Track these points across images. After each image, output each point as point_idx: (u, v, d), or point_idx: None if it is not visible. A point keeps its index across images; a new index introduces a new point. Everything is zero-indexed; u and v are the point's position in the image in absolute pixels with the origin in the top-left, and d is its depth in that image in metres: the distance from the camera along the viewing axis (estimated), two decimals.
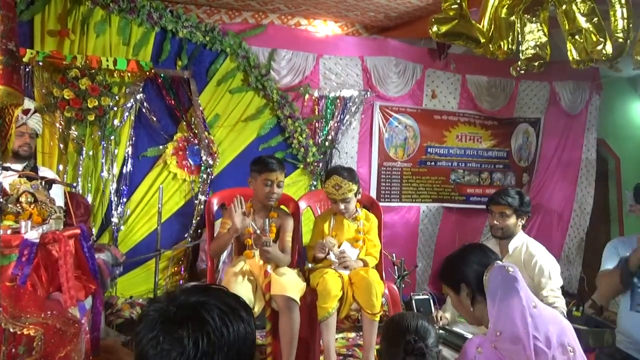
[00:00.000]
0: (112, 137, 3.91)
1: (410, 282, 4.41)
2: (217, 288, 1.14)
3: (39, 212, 2.45)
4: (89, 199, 3.85)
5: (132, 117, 4.00)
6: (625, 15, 2.58)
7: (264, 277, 2.72)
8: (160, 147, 4.12)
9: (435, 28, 2.55)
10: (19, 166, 2.97)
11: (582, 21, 2.62)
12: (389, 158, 4.87)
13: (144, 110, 4.01)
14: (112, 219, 3.95)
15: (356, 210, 3.02)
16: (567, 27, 2.71)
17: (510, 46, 2.78)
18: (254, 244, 2.79)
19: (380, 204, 3.47)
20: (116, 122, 3.92)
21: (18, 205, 2.43)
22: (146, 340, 1.02)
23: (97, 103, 3.72)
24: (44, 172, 3.13)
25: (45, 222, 2.43)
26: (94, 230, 3.86)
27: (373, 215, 3.10)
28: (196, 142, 4.12)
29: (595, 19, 2.61)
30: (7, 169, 2.55)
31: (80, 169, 3.82)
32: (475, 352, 1.75)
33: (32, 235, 2.29)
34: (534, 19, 2.83)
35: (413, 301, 3.84)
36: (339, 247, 2.92)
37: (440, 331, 2.88)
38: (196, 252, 4.18)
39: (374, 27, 4.87)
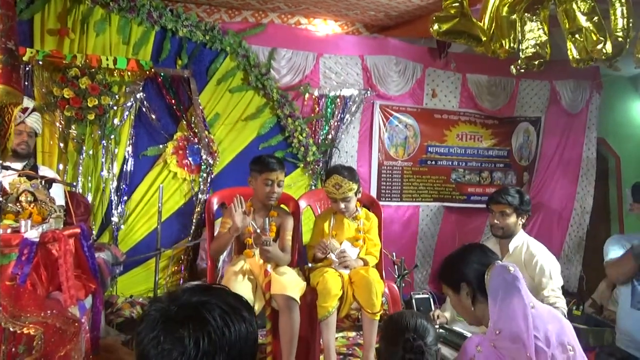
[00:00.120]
0: (112, 136, 3.91)
1: (410, 282, 4.41)
2: (218, 287, 1.14)
3: (39, 211, 2.45)
4: (89, 198, 3.85)
5: (132, 116, 3.99)
6: (625, 14, 2.57)
7: (264, 276, 2.72)
8: (161, 146, 4.11)
9: (436, 26, 2.55)
10: (18, 165, 2.97)
11: (583, 20, 2.62)
12: (390, 157, 4.87)
13: (144, 109, 4.01)
14: (112, 218, 3.95)
15: (356, 209, 3.02)
16: (567, 25, 2.71)
17: (512, 45, 2.78)
18: (254, 243, 2.79)
19: (381, 203, 3.47)
20: (116, 121, 3.92)
21: (18, 204, 2.43)
22: (147, 340, 1.02)
23: (97, 102, 3.72)
24: (44, 171, 3.13)
25: (45, 221, 2.43)
26: (94, 230, 3.86)
27: (373, 215, 3.10)
28: (196, 141, 4.12)
29: (596, 17, 2.61)
30: (7, 168, 2.55)
31: (80, 168, 3.82)
32: (475, 351, 1.75)
33: (32, 234, 2.29)
34: (534, 17, 2.83)
35: (413, 300, 3.84)
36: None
37: (440, 330, 2.88)
38: (196, 251, 4.19)
39: (374, 26, 4.87)
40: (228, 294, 1.12)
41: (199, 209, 4.16)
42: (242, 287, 2.62)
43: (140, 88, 3.97)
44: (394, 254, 4.00)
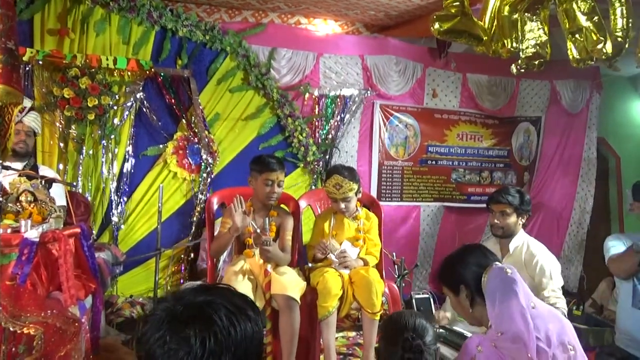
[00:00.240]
0: (112, 136, 3.91)
1: (410, 281, 4.41)
2: (224, 287, 1.14)
3: (39, 211, 2.45)
4: (89, 198, 3.85)
5: (132, 116, 3.99)
6: (624, 14, 2.57)
7: (264, 276, 2.72)
8: (161, 146, 4.11)
9: (437, 25, 2.55)
10: (19, 165, 2.98)
11: (583, 20, 2.62)
12: (390, 157, 4.87)
13: (144, 109, 4.01)
14: (112, 218, 3.94)
15: (356, 209, 3.02)
16: (567, 25, 2.71)
17: (514, 44, 2.78)
18: (254, 243, 2.79)
19: (381, 203, 3.47)
20: (116, 121, 3.92)
21: (18, 204, 2.43)
22: (153, 340, 1.02)
23: (97, 102, 3.72)
24: (44, 171, 3.13)
25: (45, 221, 2.43)
26: (94, 229, 3.86)
27: (373, 215, 3.10)
28: (196, 141, 4.12)
29: (596, 17, 2.60)
30: (7, 168, 2.55)
31: (81, 168, 3.81)
32: (476, 351, 1.75)
33: (32, 234, 2.29)
34: (534, 17, 2.82)
35: (413, 300, 3.84)
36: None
37: (441, 330, 2.88)
38: (196, 251, 4.19)
39: (374, 25, 4.87)
40: (233, 293, 1.12)
41: (199, 209, 4.16)
42: (242, 287, 2.62)
43: (140, 88, 3.97)
44: (394, 254, 4.00)
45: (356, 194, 2.93)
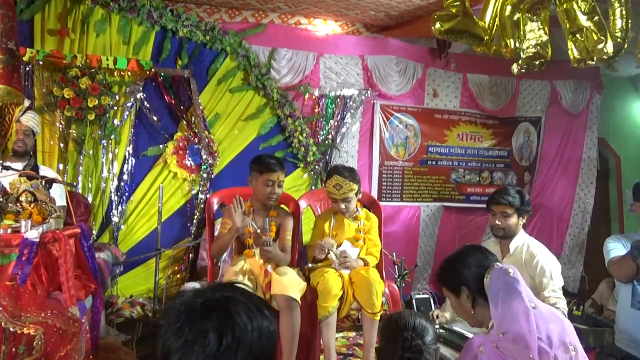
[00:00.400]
0: (112, 137, 3.91)
1: (410, 282, 4.41)
2: (240, 286, 1.14)
3: (39, 211, 2.45)
4: (89, 198, 3.85)
5: (133, 116, 4.00)
6: (623, 15, 2.58)
7: (264, 277, 2.72)
8: (161, 146, 4.11)
9: (437, 25, 2.56)
10: (19, 165, 2.98)
11: (583, 20, 2.62)
12: (390, 157, 4.87)
13: (144, 109, 4.01)
14: (113, 218, 3.95)
15: (357, 209, 3.02)
16: (567, 25, 2.71)
17: (516, 44, 2.78)
18: (254, 243, 2.79)
19: (381, 203, 3.46)
20: (116, 121, 3.92)
21: (18, 204, 2.43)
22: (171, 332, 1.02)
23: (97, 102, 3.72)
24: (45, 171, 3.14)
25: (45, 221, 2.43)
26: (94, 230, 3.86)
27: (373, 215, 3.09)
28: (196, 141, 4.12)
29: (596, 17, 2.61)
30: (7, 168, 2.55)
31: (81, 168, 3.82)
32: (477, 351, 1.75)
33: (32, 234, 2.28)
34: (534, 17, 2.83)
35: (413, 300, 3.84)
36: (339, 246, 2.92)
37: (440, 330, 2.87)
38: (196, 251, 4.18)
39: (374, 26, 4.87)
40: (249, 292, 1.13)
41: (199, 209, 4.16)
42: None
43: (141, 88, 3.97)
44: (394, 254, 4.00)
45: (356, 195, 2.93)
